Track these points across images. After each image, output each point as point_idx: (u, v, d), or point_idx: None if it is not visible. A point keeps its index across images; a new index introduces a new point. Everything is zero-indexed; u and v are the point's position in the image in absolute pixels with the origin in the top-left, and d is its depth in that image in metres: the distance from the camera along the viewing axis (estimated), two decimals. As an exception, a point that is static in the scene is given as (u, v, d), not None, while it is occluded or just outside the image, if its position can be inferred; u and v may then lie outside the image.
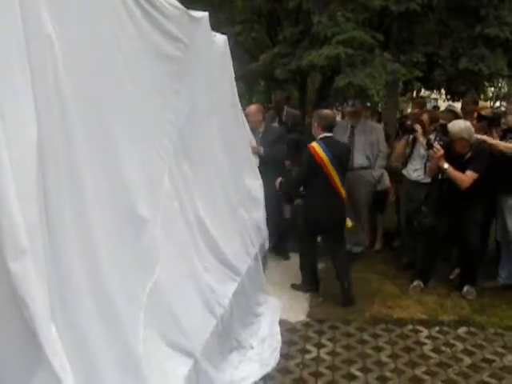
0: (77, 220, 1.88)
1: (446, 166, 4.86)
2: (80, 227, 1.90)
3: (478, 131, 5.15)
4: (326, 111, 5.19)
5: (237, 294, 3.76)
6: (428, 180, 5.40)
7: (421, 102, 7.71)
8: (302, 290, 5.23)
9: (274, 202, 5.66)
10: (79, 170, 1.91)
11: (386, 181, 6.30)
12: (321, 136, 4.92)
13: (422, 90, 15.29)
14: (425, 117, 5.58)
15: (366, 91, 7.12)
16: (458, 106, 8.72)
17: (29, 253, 1.51)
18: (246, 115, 5.71)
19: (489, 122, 5.28)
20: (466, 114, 6.43)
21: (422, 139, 5.38)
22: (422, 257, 5.37)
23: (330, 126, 4.97)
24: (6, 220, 1.46)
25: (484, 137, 4.99)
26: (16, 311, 1.52)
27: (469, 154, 4.86)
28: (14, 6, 1.58)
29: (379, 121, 7.23)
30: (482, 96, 12.23)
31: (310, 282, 5.24)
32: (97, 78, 2.16)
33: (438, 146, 4.90)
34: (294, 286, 5.30)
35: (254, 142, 5.56)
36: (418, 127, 5.47)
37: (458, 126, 4.83)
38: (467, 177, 4.79)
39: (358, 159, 6.06)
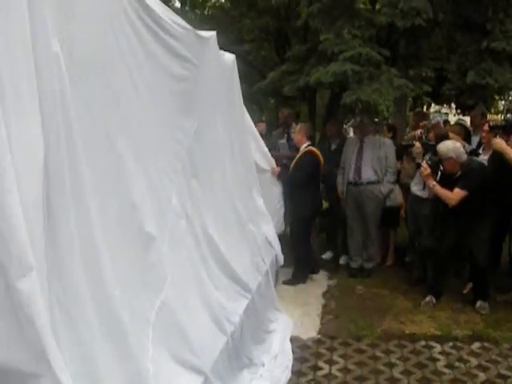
0: (83, 238, 1.89)
1: (432, 184, 5.03)
2: (86, 246, 1.91)
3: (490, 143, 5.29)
4: (308, 124, 6.31)
5: (247, 310, 3.75)
6: (428, 195, 5.48)
7: (420, 117, 7.68)
8: (292, 283, 5.76)
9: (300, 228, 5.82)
10: (85, 187, 1.93)
11: (398, 196, 6.27)
12: (306, 145, 5.82)
13: (432, 105, 15.30)
14: (431, 135, 5.67)
15: (374, 106, 7.13)
16: (468, 119, 8.75)
17: (35, 271, 1.52)
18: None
19: (504, 130, 5.27)
20: (474, 127, 6.43)
21: (419, 157, 5.51)
22: (432, 273, 5.35)
23: (310, 136, 5.78)
24: (14, 240, 1.47)
25: (503, 144, 4.98)
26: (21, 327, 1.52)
27: (459, 173, 4.95)
28: (23, 25, 1.60)
29: (394, 136, 7.20)
30: (492, 109, 12.19)
31: (303, 275, 5.64)
32: (104, 97, 2.18)
33: (425, 165, 5.09)
34: (285, 282, 5.72)
35: (275, 166, 5.64)
36: (417, 145, 5.61)
37: (446, 146, 4.96)
38: (453, 194, 4.89)
39: (366, 174, 6.06)
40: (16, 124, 1.56)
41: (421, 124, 6.37)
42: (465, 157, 4.96)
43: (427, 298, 5.21)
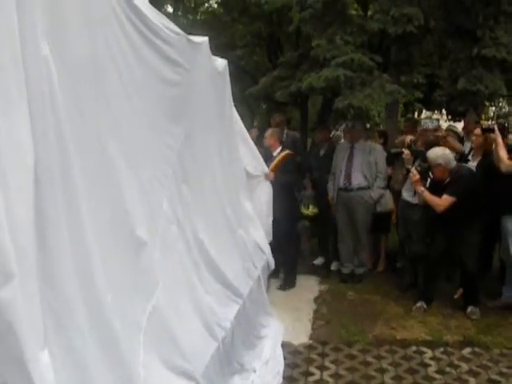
0: (74, 243, 1.87)
1: (421, 189, 5.08)
2: (78, 250, 1.88)
3: (483, 145, 5.46)
4: (280, 129, 6.44)
5: (238, 316, 3.73)
6: (418, 201, 5.50)
7: (412, 123, 7.72)
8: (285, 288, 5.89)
9: (286, 228, 5.75)
10: (76, 191, 1.91)
11: (388, 202, 6.29)
12: (280, 149, 5.91)
13: (423, 111, 15.40)
14: (419, 143, 5.74)
15: (366, 112, 7.17)
16: (458, 125, 8.79)
17: (17, 278, 1.49)
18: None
19: (501, 130, 5.30)
20: (467, 133, 6.47)
21: (408, 163, 5.55)
22: (423, 278, 5.37)
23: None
24: None
25: (498, 138, 5.01)
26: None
27: (448, 179, 5.01)
28: (12, 27, 1.58)
29: (385, 142, 7.24)
30: (482, 116, 12.28)
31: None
32: (95, 100, 2.17)
33: (415, 172, 5.13)
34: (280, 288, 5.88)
35: (267, 169, 5.60)
36: (406, 152, 5.66)
37: (435, 153, 5.01)
38: (442, 201, 4.94)
39: (356, 179, 6.06)
40: (4, 126, 1.54)
41: (418, 131, 6.39)
42: (454, 163, 5.01)
43: (418, 304, 5.22)
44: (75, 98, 1.99)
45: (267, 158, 5.79)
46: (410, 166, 5.41)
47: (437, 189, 5.00)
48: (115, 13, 2.39)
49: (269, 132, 6.08)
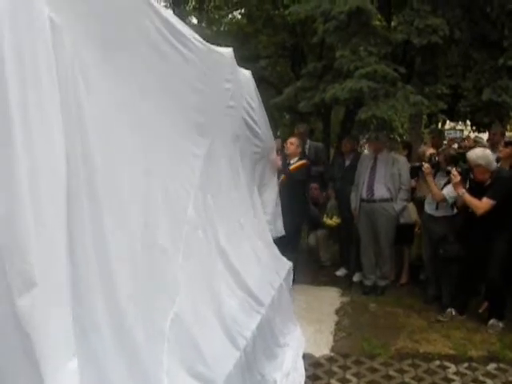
0: (98, 251, 1.89)
1: (461, 191, 4.97)
2: (99, 257, 1.90)
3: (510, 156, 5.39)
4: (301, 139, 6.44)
5: (260, 326, 3.71)
6: (441, 214, 5.50)
7: (436, 135, 7.67)
8: None
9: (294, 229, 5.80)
10: (101, 202, 1.93)
11: (411, 214, 6.24)
12: (298, 157, 6.02)
13: (447, 122, 15.24)
14: (441, 157, 5.64)
15: (389, 123, 7.12)
16: (483, 136, 8.68)
17: (38, 287, 1.49)
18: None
19: None
20: (492, 144, 6.40)
21: (429, 179, 5.44)
22: (456, 282, 5.31)
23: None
24: (19, 255, 1.46)
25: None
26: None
27: (488, 181, 4.91)
28: (46, 33, 1.61)
29: (409, 153, 7.19)
30: (508, 127, 12.12)
31: None
32: (123, 110, 2.18)
33: (455, 172, 5.02)
34: None
35: (274, 155, 5.57)
36: (426, 166, 5.53)
37: (475, 153, 4.94)
38: (482, 203, 4.84)
39: (379, 191, 6.04)
40: (38, 133, 1.56)
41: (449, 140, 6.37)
42: (494, 165, 4.94)
43: (448, 310, 5.18)
44: (100, 105, 2.00)
45: (284, 165, 5.82)
46: (449, 168, 5.25)
47: (477, 191, 4.92)
48: (148, 25, 2.41)
49: (291, 140, 6.11)
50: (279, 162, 5.62)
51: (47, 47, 1.60)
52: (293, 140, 6.11)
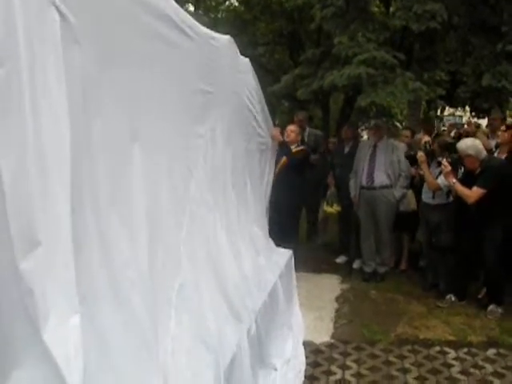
0: (101, 223, 1.92)
1: (452, 181, 5.04)
2: (106, 246, 1.93)
3: (509, 141, 5.38)
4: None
5: (263, 308, 3.73)
6: (437, 202, 5.54)
7: (427, 124, 7.67)
8: None
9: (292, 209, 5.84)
10: (101, 195, 1.93)
11: (411, 201, 6.24)
12: (297, 144, 5.92)
13: (446, 108, 15.20)
14: (435, 145, 5.70)
15: (388, 109, 7.12)
16: (482, 122, 8.67)
17: (42, 247, 1.52)
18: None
19: None
20: (492, 130, 6.39)
21: (424, 167, 5.50)
22: (454, 270, 5.34)
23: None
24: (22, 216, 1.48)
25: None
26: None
27: (478, 170, 4.97)
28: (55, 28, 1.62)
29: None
30: (507, 112, 12.12)
31: None
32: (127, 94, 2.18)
33: (446, 163, 5.08)
34: None
35: (273, 129, 5.48)
36: (420, 154, 5.58)
37: (465, 143, 5.03)
38: (472, 192, 4.90)
39: (379, 178, 6.04)
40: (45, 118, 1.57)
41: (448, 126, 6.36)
42: (484, 154, 4.98)
43: (447, 297, 5.22)
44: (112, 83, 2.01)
45: (284, 152, 5.78)
46: (440, 159, 5.29)
47: (469, 180, 4.98)
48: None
49: (291, 127, 6.09)
50: (279, 136, 5.54)
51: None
52: (293, 128, 6.09)
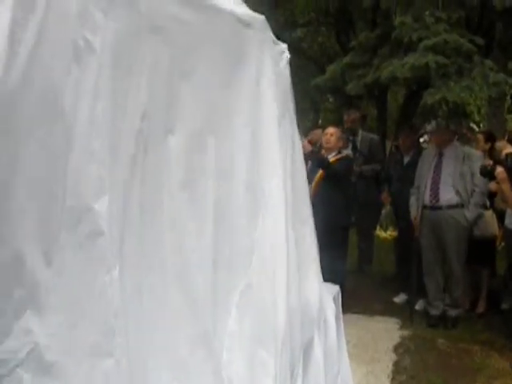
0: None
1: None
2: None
3: None
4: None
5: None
6: None
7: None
8: None
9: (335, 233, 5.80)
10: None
11: (490, 224, 6.16)
12: (337, 151, 6.09)
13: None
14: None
15: (461, 107, 7.07)
16: None
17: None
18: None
19: None
20: None
21: (505, 187, 5.31)
22: None
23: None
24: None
25: None
26: None
27: None
28: None
29: (492, 149, 7.11)
30: None
31: None
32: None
33: (500, 169, 5.08)
34: None
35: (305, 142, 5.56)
36: (498, 170, 5.30)
37: None
38: None
39: (445, 195, 5.99)
40: None
41: None
42: None
43: None
44: None
45: (317, 164, 5.79)
46: (506, 189, 5.21)
47: None
48: None
49: (330, 130, 6.10)
50: (308, 146, 5.58)
51: None
52: (333, 130, 6.10)
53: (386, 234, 6.79)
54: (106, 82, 2.14)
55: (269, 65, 4.18)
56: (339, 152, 6.02)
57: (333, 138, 5.98)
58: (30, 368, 2.08)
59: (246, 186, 3.16)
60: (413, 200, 6.24)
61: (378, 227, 6.91)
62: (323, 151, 6.11)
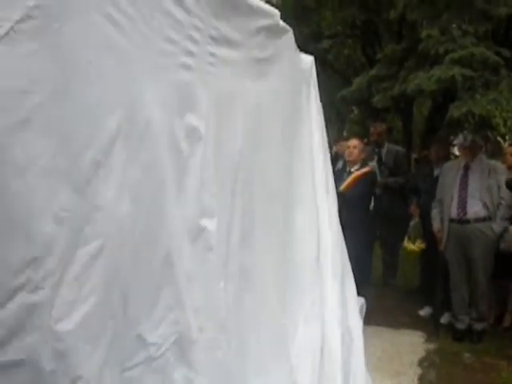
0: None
1: None
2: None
3: None
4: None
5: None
6: None
7: None
8: None
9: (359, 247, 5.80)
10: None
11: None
12: (360, 165, 6.11)
13: None
14: None
15: (487, 119, 7.04)
16: None
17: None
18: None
19: None
20: None
21: None
22: None
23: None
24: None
25: None
26: None
27: None
28: None
29: None
30: None
31: None
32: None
33: None
34: None
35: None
36: None
37: None
38: None
39: (472, 208, 5.92)
40: None
41: None
42: None
43: None
44: None
45: (342, 175, 5.81)
46: None
47: None
48: None
49: (353, 142, 6.11)
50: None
51: None
52: (355, 143, 6.10)
53: (414, 246, 6.73)
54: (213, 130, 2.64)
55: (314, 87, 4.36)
56: (363, 164, 6.02)
57: (355, 151, 5.98)
58: (175, 353, 2.46)
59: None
60: (435, 213, 6.20)
61: (406, 239, 6.86)
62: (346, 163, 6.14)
